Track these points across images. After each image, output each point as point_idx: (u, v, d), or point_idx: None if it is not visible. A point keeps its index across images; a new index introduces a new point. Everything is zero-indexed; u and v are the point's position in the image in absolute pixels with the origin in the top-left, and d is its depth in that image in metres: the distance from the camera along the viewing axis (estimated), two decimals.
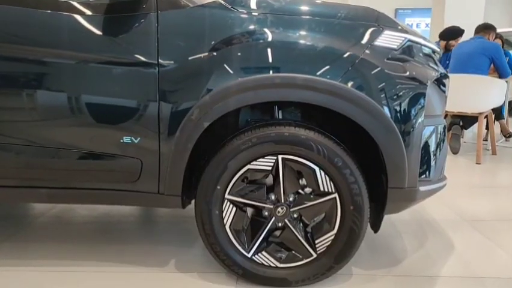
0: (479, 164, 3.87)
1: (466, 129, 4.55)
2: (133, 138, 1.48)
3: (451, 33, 4.97)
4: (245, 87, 1.44)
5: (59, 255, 1.84)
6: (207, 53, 1.46)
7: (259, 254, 1.57)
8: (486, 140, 4.59)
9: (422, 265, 1.78)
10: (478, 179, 3.47)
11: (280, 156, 1.49)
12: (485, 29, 4.41)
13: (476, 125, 4.21)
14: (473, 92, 4.03)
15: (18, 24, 1.49)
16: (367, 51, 1.48)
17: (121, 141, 1.48)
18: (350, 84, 1.44)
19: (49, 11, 1.48)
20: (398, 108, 1.48)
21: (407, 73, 1.51)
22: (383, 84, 1.47)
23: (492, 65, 4.20)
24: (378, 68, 1.47)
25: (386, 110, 1.47)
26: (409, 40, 1.56)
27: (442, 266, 1.78)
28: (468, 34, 4.82)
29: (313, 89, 1.43)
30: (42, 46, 1.49)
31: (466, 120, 4.35)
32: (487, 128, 4.54)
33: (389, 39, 1.52)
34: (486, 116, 4.17)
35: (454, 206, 2.56)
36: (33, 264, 1.75)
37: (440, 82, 1.67)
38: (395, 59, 1.50)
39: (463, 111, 4.13)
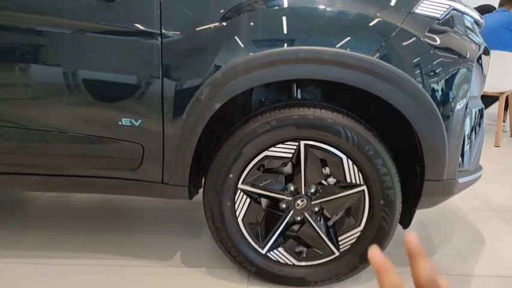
0: (498, 146, 3.67)
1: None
2: (133, 120, 1.29)
3: (481, 12, 4.60)
4: (264, 62, 1.23)
5: (52, 245, 1.67)
6: (217, 23, 1.24)
7: (275, 251, 1.41)
8: (504, 122, 4.36)
9: (453, 262, 1.62)
10: (498, 163, 3.27)
11: (302, 142, 1.30)
12: (510, 1, 4.11)
13: (494, 106, 3.98)
14: (494, 70, 3.77)
15: None
16: (406, 21, 1.26)
17: (120, 123, 1.29)
18: (386, 60, 1.24)
19: None
20: (441, 90, 1.27)
21: (452, 48, 1.30)
22: (425, 61, 1.26)
23: None
24: (420, 41, 1.26)
25: (427, 91, 1.26)
26: (454, 8, 1.34)
27: (475, 263, 1.61)
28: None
29: (344, 65, 1.22)
30: (34, 13, 1.28)
31: (485, 100, 4.10)
32: (506, 108, 4.30)
33: (431, 7, 1.30)
34: (507, 96, 3.94)
35: (477, 194, 2.37)
36: (23, 255, 1.59)
37: (481, 59, 1.46)
38: (438, 31, 1.29)
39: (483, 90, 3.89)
